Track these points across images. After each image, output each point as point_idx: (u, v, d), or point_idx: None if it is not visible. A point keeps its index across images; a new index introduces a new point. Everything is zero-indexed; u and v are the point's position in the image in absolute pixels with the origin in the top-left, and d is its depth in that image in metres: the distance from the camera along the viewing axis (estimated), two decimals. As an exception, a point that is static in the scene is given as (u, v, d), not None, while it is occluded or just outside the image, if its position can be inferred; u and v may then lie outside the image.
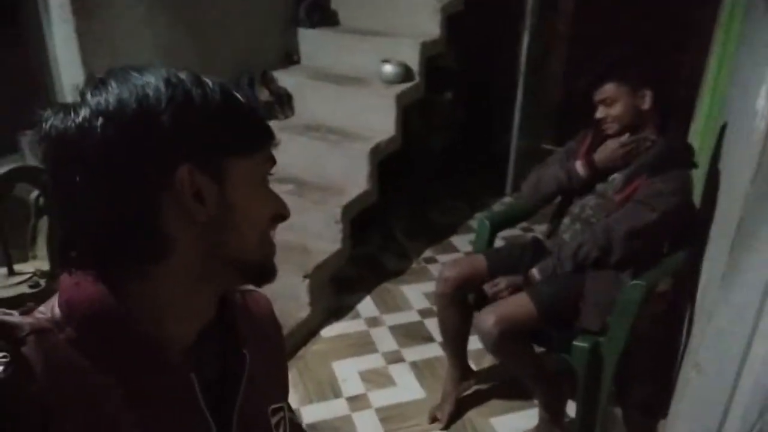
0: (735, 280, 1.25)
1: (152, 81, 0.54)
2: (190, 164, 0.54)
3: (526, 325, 1.65)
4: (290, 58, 3.21)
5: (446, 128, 3.90)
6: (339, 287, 2.63)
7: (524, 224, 2.81)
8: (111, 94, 0.53)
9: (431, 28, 3.06)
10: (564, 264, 1.70)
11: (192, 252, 0.57)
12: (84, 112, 0.53)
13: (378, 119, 2.79)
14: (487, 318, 1.64)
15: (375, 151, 2.68)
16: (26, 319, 0.54)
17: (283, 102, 2.98)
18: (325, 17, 3.28)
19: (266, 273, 0.63)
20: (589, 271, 1.71)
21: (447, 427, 1.94)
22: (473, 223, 3.34)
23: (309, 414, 2.00)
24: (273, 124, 2.61)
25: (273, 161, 0.63)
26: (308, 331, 2.36)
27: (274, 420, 0.70)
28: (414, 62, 2.95)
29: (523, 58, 3.61)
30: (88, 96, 0.54)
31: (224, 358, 0.65)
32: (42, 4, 2.15)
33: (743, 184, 1.22)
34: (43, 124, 0.54)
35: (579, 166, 1.81)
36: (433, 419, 1.96)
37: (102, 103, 0.53)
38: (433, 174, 3.80)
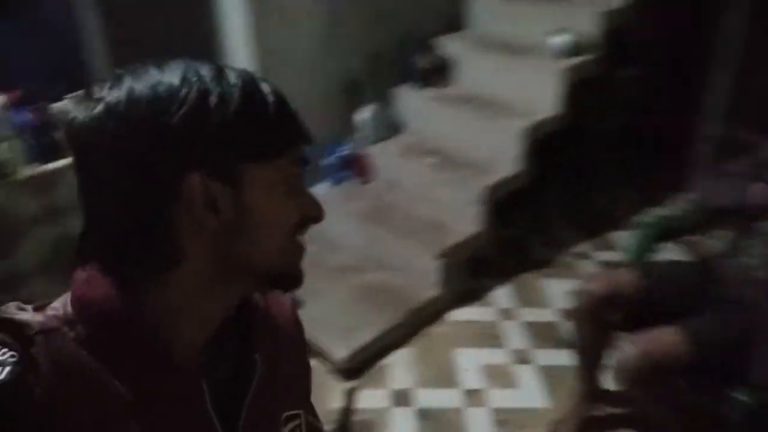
0: None
1: (167, 79, 0.51)
2: (203, 171, 0.51)
3: (674, 365, 1.40)
4: (457, 24, 3.07)
5: (626, 107, 3.48)
6: (475, 269, 2.49)
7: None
8: (123, 92, 0.51)
9: (617, -6, 2.69)
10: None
11: (205, 259, 0.54)
12: (99, 108, 0.51)
13: (540, 95, 2.55)
14: (630, 348, 1.42)
15: (531, 130, 2.46)
16: (36, 317, 0.53)
17: (441, 71, 2.86)
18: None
19: (289, 280, 0.60)
20: None
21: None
22: (639, 218, 2.94)
23: (422, 398, 1.94)
24: (427, 92, 2.52)
25: (304, 162, 0.59)
26: (434, 312, 2.28)
27: (288, 427, 0.67)
28: (591, 34, 2.62)
29: (727, 33, 3.05)
30: (106, 91, 0.52)
31: (239, 362, 0.62)
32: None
33: None
34: (71, 112, 0.53)
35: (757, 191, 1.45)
36: None
37: (113, 101, 0.51)
38: (604, 157, 3.42)
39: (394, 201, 2.56)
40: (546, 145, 2.57)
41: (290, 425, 0.67)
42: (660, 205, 3.07)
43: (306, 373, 0.77)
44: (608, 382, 1.82)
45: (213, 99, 0.51)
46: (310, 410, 0.75)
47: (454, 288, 2.34)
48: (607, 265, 2.59)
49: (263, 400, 0.62)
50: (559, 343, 2.16)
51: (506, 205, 2.52)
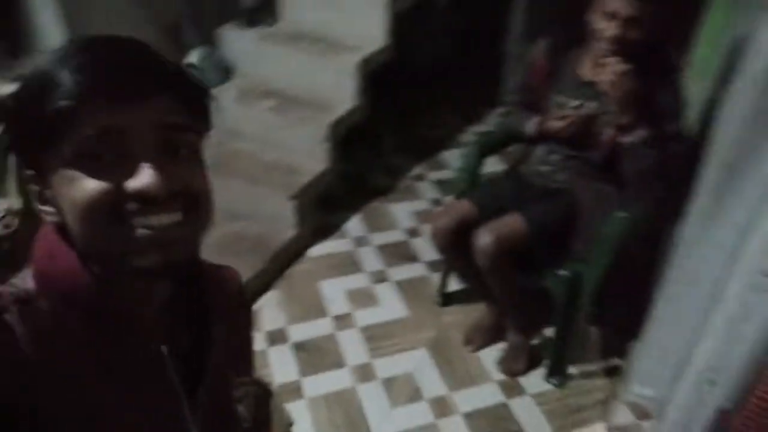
0: (717, 215, 1.24)
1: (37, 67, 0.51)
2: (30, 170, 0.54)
3: (518, 246, 1.67)
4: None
5: (443, 36, 3.73)
6: (325, 206, 2.61)
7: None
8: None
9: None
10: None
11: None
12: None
13: (366, 27, 2.64)
14: (485, 236, 1.66)
15: (364, 64, 2.56)
16: (6, 288, 0.53)
17: (267, 7, 2.81)
18: None
19: (111, 269, 0.53)
20: (584, 194, 1.70)
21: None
22: (464, 138, 3.27)
23: (295, 333, 2.06)
24: (255, 31, 2.44)
25: (108, 132, 0.50)
26: (294, 252, 2.38)
27: (238, 393, 0.70)
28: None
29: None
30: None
31: (194, 330, 0.64)
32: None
33: (736, 119, 1.18)
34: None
35: (532, 128, 1.75)
36: (468, 341, 2.01)
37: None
38: (426, 84, 3.67)
39: (238, 149, 2.54)
40: (376, 77, 2.70)
41: (240, 391, 0.71)
42: (477, 123, 3.43)
43: (251, 343, 0.79)
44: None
45: (22, 92, 0.52)
46: (257, 380, 0.78)
47: (309, 226, 2.45)
48: (440, 184, 2.87)
49: (220, 366, 0.65)
50: (409, 258, 2.41)
51: (345, 141, 2.65)
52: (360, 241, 2.50)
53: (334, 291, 2.24)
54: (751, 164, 1.13)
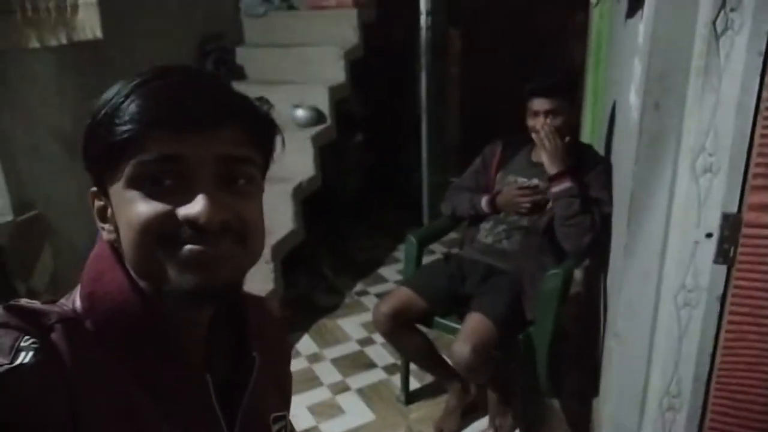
0: (635, 249, 1.43)
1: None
2: (96, 187, 0.57)
3: (493, 345, 1.75)
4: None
5: (360, 169, 4.06)
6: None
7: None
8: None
9: (336, 73, 3.23)
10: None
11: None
12: None
13: (297, 161, 2.88)
14: (462, 348, 1.71)
15: (298, 191, 2.75)
16: (53, 308, 0.53)
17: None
18: (232, 71, 3.37)
19: (158, 290, 0.54)
20: (527, 262, 1.87)
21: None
22: (398, 254, 3.46)
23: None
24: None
25: (168, 160, 0.52)
26: (250, 375, 2.33)
27: (275, 428, 0.69)
28: (324, 106, 3.09)
29: (422, 100, 3.83)
30: None
31: (234, 360, 0.64)
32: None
33: (630, 166, 1.42)
34: None
35: (484, 204, 2.00)
36: (440, 430, 2.00)
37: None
38: (351, 213, 3.92)
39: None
40: (307, 205, 2.89)
41: (277, 426, 0.69)
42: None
43: (288, 377, 0.77)
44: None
45: (96, 115, 0.54)
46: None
47: (261, 348, 2.43)
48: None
49: (258, 397, 0.64)
50: (366, 365, 2.42)
51: (286, 268, 2.74)
52: (314, 358, 2.49)
53: (296, 408, 2.17)
54: (647, 197, 1.35)
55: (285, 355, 0.78)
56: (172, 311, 0.56)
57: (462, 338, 1.74)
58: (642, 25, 1.47)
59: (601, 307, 1.99)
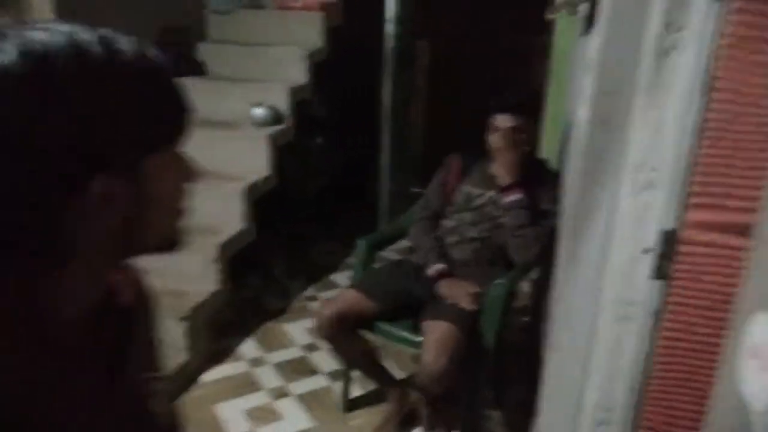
0: (576, 263, 1.44)
1: (55, 41, 0.46)
2: (107, 171, 0.48)
3: (462, 351, 1.73)
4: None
5: (320, 172, 4.02)
6: (219, 331, 2.54)
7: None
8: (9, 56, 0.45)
9: (298, 74, 3.20)
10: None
11: (97, 253, 0.53)
12: None
13: (251, 160, 2.83)
14: (438, 359, 1.68)
15: (250, 190, 2.70)
16: None
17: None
18: (191, 67, 3.29)
19: (172, 245, 0.60)
20: (475, 279, 1.86)
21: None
22: (350, 260, 3.42)
23: (192, 460, 1.89)
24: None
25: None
26: (187, 377, 2.25)
27: (152, 389, 0.70)
28: (283, 106, 3.05)
29: (385, 108, 3.83)
30: None
31: (109, 326, 0.63)
32: None
33: (576, 180, 1.43)
34: None
35: (432, 271, 1.91)
36: None
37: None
38: (309, 216, 3.87)
39: (120, 279, 2.46)
40: (262, 209, 2.83)
41: (154, 387, 0.70)
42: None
43: (156, 340, 0.78)
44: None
45: (112, 79, 0.48)
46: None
47: (201, 350, 2.35)
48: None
49: (136, 360, 0.65)
50: (309, 372, 2.37)
51: (237, 269, 2.67)
52: (256, 362, 2.43)
53: (233, 412, 2.12)
54: (590, 210, 1.36)
55: (151, 317, 0.78)
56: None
57: (434, 348, 1.71)
58: (594, 40, 1.49)
59: (545, 319, 2.00)
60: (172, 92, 0.54)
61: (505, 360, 1.96)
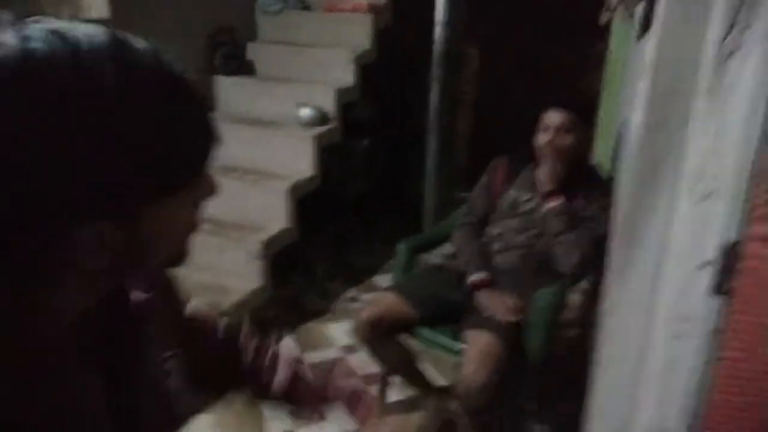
0: (627, 274, 1.37)
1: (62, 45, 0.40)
2: (99, 220, 0.43)
3: (505, 365, 1.68)
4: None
5: (364, 174, 4.02)
6: (260, 329, 2.56)
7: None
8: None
9: (345, 76, 3.20)
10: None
11: (81, 284, 0.49)
12: None
13: (296, 160, 2.84)
14: (479, 373, 1.64)
15: (294, 189, 2.71)
16: None
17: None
18: (241, 66, 3.35)
19: (178, 261, 0.56)
20: (519, 288, 1.81)
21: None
22: (393, 263, 3.39)
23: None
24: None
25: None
26: (228, 373, 2.27)
27: (166, 367, 0.68)
28: (330, 107, 3.06)
29: (432, 112, 3.77)
30: None
31: (115, 314, 0.60)
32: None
33: (628, 187, 1.36)
34: None
35: (473, 278, 1.86)
36: None
37: None
38: (352, 217, 3.87)
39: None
40: (305, 209, 2.85)
41: (168, 365, 0.68)
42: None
43: (179, 314, 0.75)
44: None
45: (120, 116, 0.40)
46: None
47: (242, 347, 2.38)
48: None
49: (148, 343, 0.63)
50: (347, 373, 2.36)
51: (280, 268, 2.69)
52: (296, 361, 2.43)
53: (275, 410, 2.12)
54: (643, 220, 1.30)
55: (171, 293, 0.74)
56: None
57: (475, 360, 1.67)
58: (650, 42, 1.42)
59: (594, 333, 1.93)
60: (198, 129, 0.47)
61: (550, 375, 1.89)
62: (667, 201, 1.25)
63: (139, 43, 0.44)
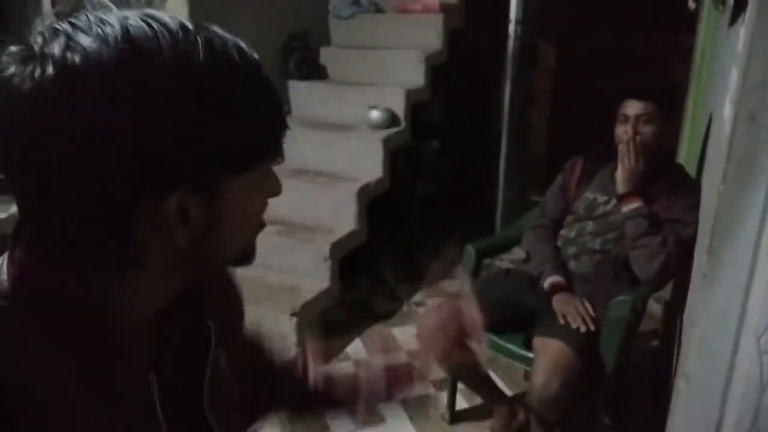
0: (715, 281, 1.26)
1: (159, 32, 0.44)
2: (183, 189, 0.46)
3: (578, 375, 1.61)
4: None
5: (434, 176, 3.98)
6: (328, 330, 2.59)
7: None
8: (79, 54, 0.42)
9: (415, 78, 3.19)
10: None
11: (166, 262, 0.51)
12: (47, 70, 0.41)
13: (366, 162, 2.85)
14: (551, 383, 1.57)
15: (363, 191, 2.72)
16: None
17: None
18: (314, 70, 3.40)
19: (247, 259, 0.58)
20: (595, 295, 1.72)
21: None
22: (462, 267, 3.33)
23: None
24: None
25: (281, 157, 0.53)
26: (296, 372, 2.31)
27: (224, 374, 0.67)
28: (399, 109, 3.05)
29: (505, 112, 3.68)
30: (52, 44, 0.43)
31: (189, 327, 0.61)
32: None
33: (717, 186, 1.25)
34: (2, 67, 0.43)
35: (546, 284, 1.79)
36: None
37: (69, 63, 0.42)
38: (422, 220, 3.83)
39: (241, 275, 2.59)
40: (374, 211, 2.85)
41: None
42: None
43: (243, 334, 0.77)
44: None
45: (213, 91, 0.45)
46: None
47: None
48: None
49: (219, 359, 0.63)
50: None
51: (348, 269, 2.71)
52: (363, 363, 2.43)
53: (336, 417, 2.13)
54: (734, 221, 1.18)
55: (239, 313, 0.74)
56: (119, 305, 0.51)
57: (545, 370, 1.60)
58: (743, 30, 1.30)
59: (676, 344, 1.80)
60: (275, 109, 0.51)
61: (627, 387, 1.78)
62: (760, 201, 1.14)
63: (218, 28, 0.49)
